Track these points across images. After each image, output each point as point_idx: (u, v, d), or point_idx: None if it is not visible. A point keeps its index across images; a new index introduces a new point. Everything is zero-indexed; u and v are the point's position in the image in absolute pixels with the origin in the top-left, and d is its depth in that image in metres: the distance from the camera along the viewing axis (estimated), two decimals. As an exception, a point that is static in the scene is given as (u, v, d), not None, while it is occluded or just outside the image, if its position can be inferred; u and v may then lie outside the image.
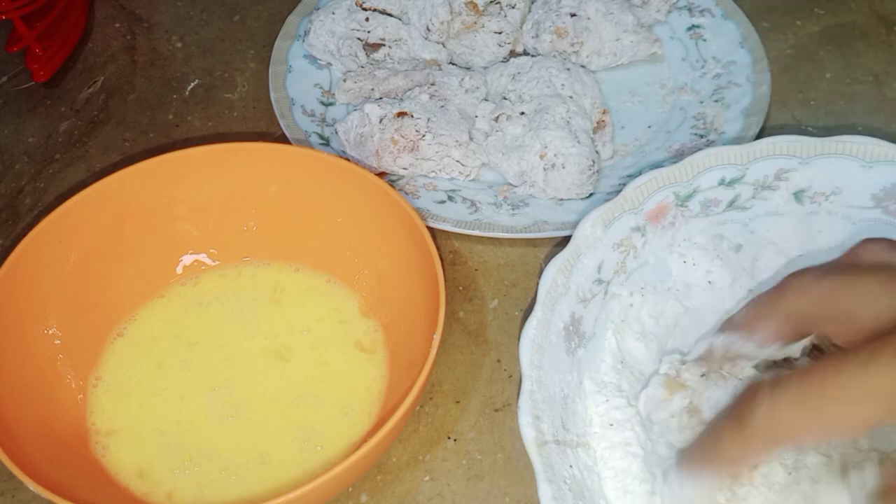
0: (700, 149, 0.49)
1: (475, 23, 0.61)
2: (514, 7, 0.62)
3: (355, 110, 0.56)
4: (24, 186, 0.58)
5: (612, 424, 0.42)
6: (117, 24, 0.69)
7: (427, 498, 0.43)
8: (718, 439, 0.35)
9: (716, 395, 0.39)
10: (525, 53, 0.63)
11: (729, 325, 0.39)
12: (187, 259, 0.50)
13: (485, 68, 0.61)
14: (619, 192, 0.46)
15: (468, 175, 0.55)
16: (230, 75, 0.65)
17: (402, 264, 0.46)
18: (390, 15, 0.62)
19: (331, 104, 0.60)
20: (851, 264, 0.36)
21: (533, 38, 0.62)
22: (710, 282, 0.47)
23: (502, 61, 0.61)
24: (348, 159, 0.50)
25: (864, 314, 0.33)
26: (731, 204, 0.47)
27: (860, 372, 0.30)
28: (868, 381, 0.30)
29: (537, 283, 0.43)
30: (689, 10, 0.65)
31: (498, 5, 0.62)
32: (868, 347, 0.31)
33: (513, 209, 0.53)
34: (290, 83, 0.60)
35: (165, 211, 0.49)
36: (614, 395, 0.43)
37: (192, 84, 0.64)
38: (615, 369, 0.44)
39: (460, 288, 0.51)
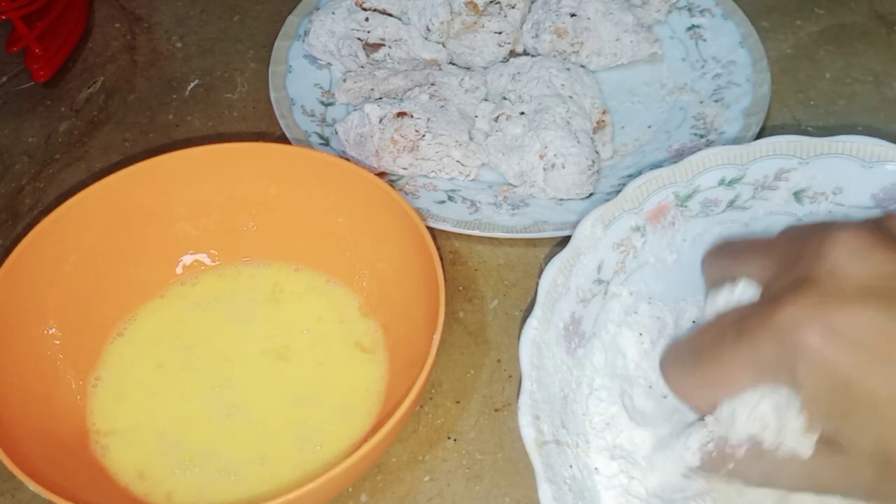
0: (700, 149, 0.49)
1: (475, 23, 0.61)
2: (514, 7, 0.62)
3: (355, 110, 0.56)
4: (24, 186, 0.58)
5: (608, 424, 0.42)
6: (117, 24, 0.69)
7: (427, 498, 0.43)
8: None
9: None
10: (525, 53, 0.63)
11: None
12: (187, 259, 0.50)
13: (485, 68, 0.61)
14: (619, 192, 0.46)
15: (468, 175, 0.55)
16: (230, 75, 0.65)
17: (402, 264, 0.46)
18: (390, 15, 0.62)
19: (331, 104, 0.60)
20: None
21: (533, 38, 0.62)
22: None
23: (502, 61, 0.61)
24: (348, 159, 0.50)
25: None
26: (731, 204, 0.47)
27: (733, 345, 0.33)
28: (739, 353, 0.33)
29: (537, 283, 0.43)
30: (689, 10, 0.65)
31: (498, 5, 0.62)
32: (739, 316, 0.34)
33: (513, 209, 0.53)
34: (290, 83, 0.60)
35: (165, 211, 0.49)
36: (615, 395, 0.43)
37: (192, 84, 0.64)
38: (615, 369, 0.44)
39: (460, 288, 0.51)
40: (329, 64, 0.63)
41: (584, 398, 0.43)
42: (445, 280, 0.42)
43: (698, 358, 0.35)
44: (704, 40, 0.63)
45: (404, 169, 0.55)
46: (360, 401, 0.45)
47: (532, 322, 0.42)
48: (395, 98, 0.57)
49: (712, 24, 0.63)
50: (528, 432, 0.38)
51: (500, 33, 0.61)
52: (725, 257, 0.39)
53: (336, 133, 0.57)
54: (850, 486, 0.32)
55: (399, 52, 0.61)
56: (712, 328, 0.35)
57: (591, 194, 0.54)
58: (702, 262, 0.41)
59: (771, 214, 0.47)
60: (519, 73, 0.58)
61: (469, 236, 0.53)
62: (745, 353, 0.33)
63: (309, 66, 0.62)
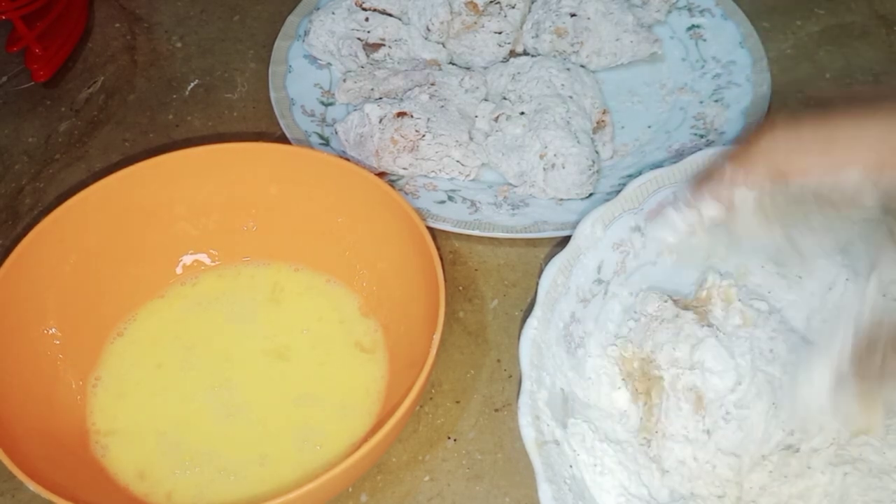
0: (700, 149, 0.49)
1: (475, 23, 0.61)
2: (514, 7, 0.62)
3: (355, 110, 0.56)
4: (24, 186, 0.58)
5: (608, 423, 0.42)
6: (117, 24, 0.69)
7: (427, 498, 0.43)
8: (715, 162, 0.36)
9: None
10: (525, 53, 0.63)
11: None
12: (187, 259, 0.50)
13: (485, 68, 0.61)
14: (619, 192, 0.46)
15: (468, 175, 0.55)
16: (230, 75, 0.65)
17: (402, 264, 0.46)
18: (390, 15, 0.62)
19: (331, 104, 0.60)
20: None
21: (533, 38, 0.62)
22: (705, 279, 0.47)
23: (502, 61, 0.61)
24: (348, 159, 0.50)
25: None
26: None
27: (878, 122, 0.32)
28: (885, 128, 0.32)
29: (537, 283, 0.43)
30: (689, 10, 0.65)
31: (498, 5, 0.62)
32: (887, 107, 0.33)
33: (513, 209, 0.53)
34: (290, 83, 0.60)
35: (165, 211, 0.49)
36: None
37: (192, 84, 0.64)
38: (615, 368, 0.44)
39: (460, 288, 0.51)
40: (329, 64, 0.63)
41: (584, 397, 0.43)
42: (445, 280, 0.42)
43: (830, 118, 0.33)
44: (704, 40, 0.63)
45: (404, 169, 0.55)
46: (360, 401, 0.45)
47: (532, 322, 0.42)
48: (395, 98, 0.57)
49: (712, 24, 0.63)
50: (528, 432, 0.38)
51: (500, 33, 0.61)
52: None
53: (336, 133, 0.57)
54: None
55: (399, 52, 0.61)
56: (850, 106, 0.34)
57: (591, 194, 0.54)
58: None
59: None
60: (519, 73, 0.58)
61: (469, 236, 0.53)
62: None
63: (309, 66, 0.62)
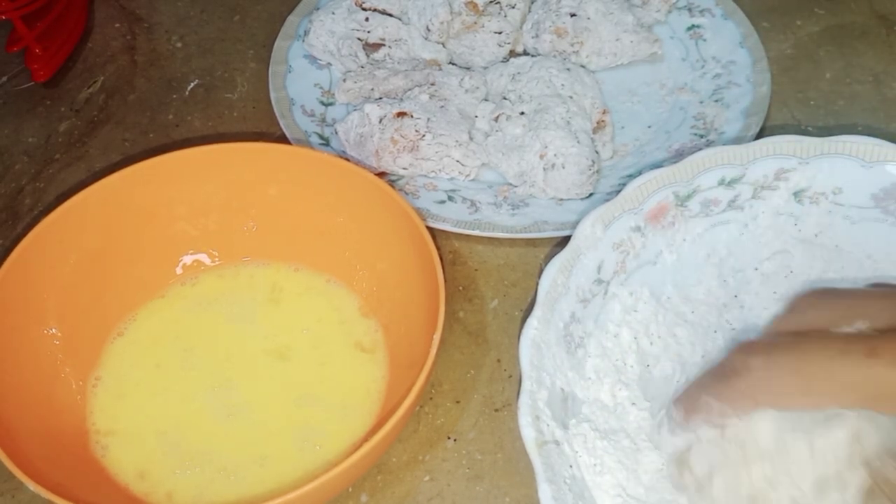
0: (700, 149, 0.49)
1: (475, 23, 0.61)
2: (514, 7, 0.62)
3: (355, 110, 0.56)
4: (24, 186, 0.58)
5: (608, 423, 0.42)
6: (117, 24, 0.69)
7: (427, 498, 0.43)
8: (705, 390, 0.37)
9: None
10: (525, 53, 0.63)
11: (684, 405, 0.39)
12: (187, 259, 0.50)
13: (485, 68, 0.61)
14: (619, 192, 0.46)
15: (468, 175, 0.55)
16: (230, 75, 0.65)
17: (402, 264, 0.46)
18: (390, 15, 0.62)
19: (331, 104, 0.60)
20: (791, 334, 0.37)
21: (533, 38, 0.62)
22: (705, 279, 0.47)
23: (502, 61, 0.61)
24: (348, 159, 0.50)
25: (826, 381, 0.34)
26: (730, 204, 0.47)
27: (856, 364, 0.33)
28: (862, 373, 0.33)
29: (537, 283, 0.43)
30: (689, 10, 0.65)
31: (498, 5, 0.62)
32: (869, 342, 0.33)
33: (513, 209, 0.53)
34: (290, 83, 0.60)
35: (165, 211, 0.49)
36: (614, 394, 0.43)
37: (192, 84, 0.64)
38: (615, 369, 0.44)
39: (460, 288, 0.51)
40: (329, 64, 0.63)
41: (584, 397, 0.43)
42: (445, 280, 0.42)
43: (805, 361, 0.34)
44: (704, 40, 0.63)
45: (404, 169, 0.55)
46: (360, 401, 0.45)
47: (532, 322, 0.42)
48: (395, 98, 0.57)
49: (712, 24, 0.63)
50: (528, 432, 0.38)
51: (500, 33, 0.61)
52: (831, 303, 0.38)
53: (336, 133, 0.57)
54: None
55: (399, 52, 0.61)
56: (824, 342, 0.35)
57: (591, 194, 0.54)
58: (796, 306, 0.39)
59: (771, 214, 0.48)
60: (519, 73, 0.58)
61: (469, 236, 0.53)
62: (869, 374, 0.33)
63: (309, 66, 0.62)
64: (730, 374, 0.36)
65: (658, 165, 0.51)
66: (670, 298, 0.47)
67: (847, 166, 0.46)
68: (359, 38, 0.61)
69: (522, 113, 0.56)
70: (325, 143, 0.57)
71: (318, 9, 0.63)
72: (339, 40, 0.61)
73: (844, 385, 0.33)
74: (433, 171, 0.55)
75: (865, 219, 0.47)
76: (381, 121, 0.54)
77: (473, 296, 0.51)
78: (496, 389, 0.47)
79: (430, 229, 0.45)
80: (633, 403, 0.43)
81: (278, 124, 0.58)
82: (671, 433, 0.40)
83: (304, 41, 0.63)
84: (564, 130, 0.53)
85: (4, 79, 0.65)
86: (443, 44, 0.62)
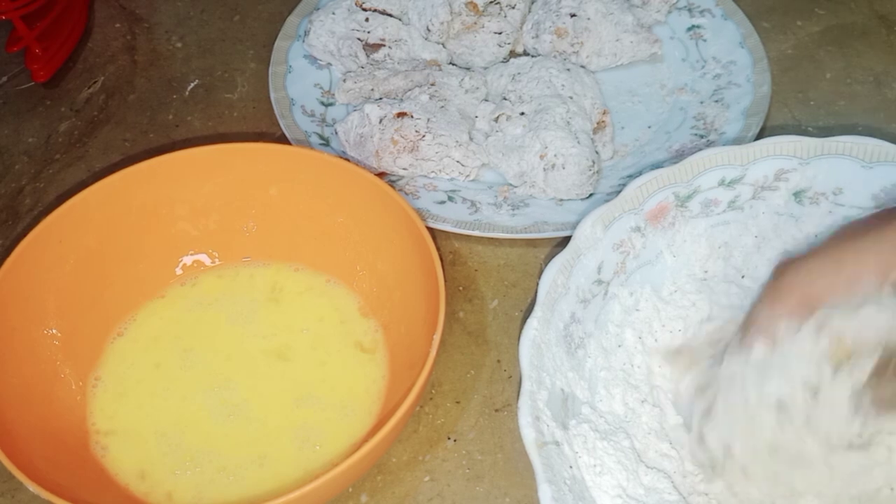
0: (700, 149, 0.49)
1: (475, 23, 0.61)
2: (514, 7, 0.62)
3: (355, 110, 0.56)
4: (24, 186, 0.58)
5: (608, 423, 0.42)
6: (117, 24, 0.69)
7: (427, 498, 0.43)
8: (757, 308, 0.40)
9: None
10: (525, 54, 0.63)
11: (744, 329, 0.40)
12: (187, 259, 0.50)
13: (485, 68, 0.61)
14: (619, 192, 0.46)
15: (468, 175, 0.55)
16: (230, 75, 0.65)
17: (402, 264, 0.46)
18: (390, 15, 0.62)
19: (331, 104, 0.60)
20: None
21: (533, 38, 0.62)
22: (705, 279, 0.47)
23: (502, 61, 0.61)
24: (348, 159, 0.50)
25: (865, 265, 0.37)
26: (731, 204, 0.47)
27: (873, 235, 0.37)
28: (881, 238, 0.37)
29: (537, 284, 0.43)
30: (689, 10, 0.65)
31: (498, 5, 0.62)
32: (876, 222, 0.37)
33: (513, 209, 0.53)
34: (290, 83, 0.60)
35: (165, 211, 0.49)
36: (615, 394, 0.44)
37: (192, 84, 0.64)
38: (616, 370, 0.44)
39: (460, 288, 0.51)
40: (329, 64, 0.63)
41: (584, 398, 0.43)
42: (445, 280, 0.42)
43: (836, 248, 0.38)
44: (704, 40, 0.63)
45: (404, 169, 0.55)
46: (360, 401, 0.45)
47: (532, 322, 0.42)
48: (395, 98, 0.57)
49: (712, 25, 0.63)
50: (528, 433, 0.38)
51: (500, 34, 0.61)
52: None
53: (336, 133, 0.57)
54: None
55: (399, 53, 0.61)
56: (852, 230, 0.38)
57: (591, 195, 0.54)
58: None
59: (771, 214, 0.48)
60: (519, 73, 0.58)
61: (469, 236, 0.53)
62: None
63: (309, 66, 0.62)
64: (775, 280, 0.39)
65: (658, 166, 0.51)
66: (672, 294, 0.47)
67: (847, 166, 0.46)
68: (359, 39, 0.61)
69: (522, 113, 0.56)
70: (325, 143, 0.57)
71: (318, 9, 0.63)
72: (340, 40, 0.61)
73: (876, 259, 0.36)
74: (433, 172, 0.55)
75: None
76: (381, 121, 0.54)
77: (473, 296, 0.51)
78: (496, 390, 0.47)
79: (430, 229, 0.45)
80: (644, 401, 0.43)
81: (278, 124, 0.58)
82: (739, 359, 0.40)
83: (304, 41, 0.63)
84: (564, 131, 0.53)
85: (4, 79, 0.65)
86: (443, 44, 0.62)
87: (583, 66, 0.61)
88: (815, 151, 0.46)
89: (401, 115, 0.54)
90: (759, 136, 0.55)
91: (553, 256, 0.44)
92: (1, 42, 0.64)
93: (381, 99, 0.57)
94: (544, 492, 0.37)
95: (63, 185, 0.58)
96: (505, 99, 0.58)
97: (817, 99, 0.60)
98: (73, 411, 0.45)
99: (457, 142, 0.54)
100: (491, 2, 0.62)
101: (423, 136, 0.54)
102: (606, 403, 0.43)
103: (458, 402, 0.46)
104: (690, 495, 0.41)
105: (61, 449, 0.42)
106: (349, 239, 0.49)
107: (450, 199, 0.54)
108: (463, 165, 0.55)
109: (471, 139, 0.56)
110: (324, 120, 0.59)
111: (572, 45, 0.60)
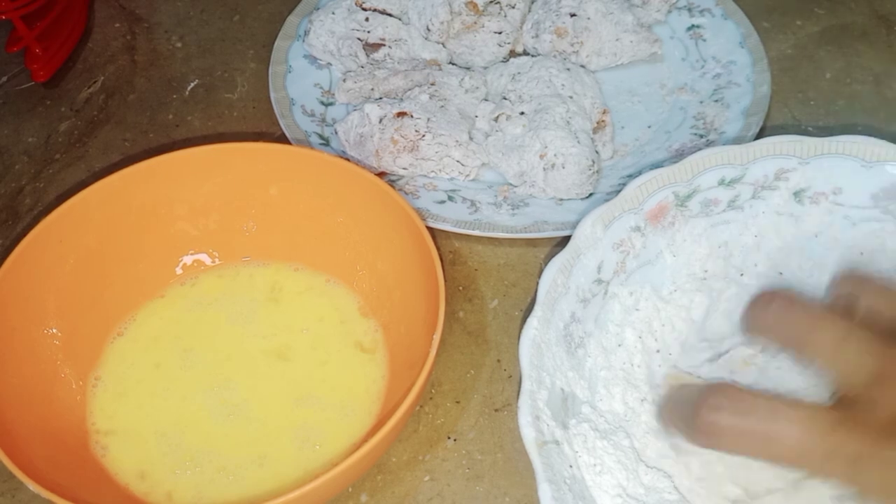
0: (700, 149, 0.49)
1: (475, 23, 0.61)
2: (514, 7, 0.62)
3: (355, 110, 0.56)
4: (24, 186, 0.58)
5: (608, 423, 0.42)
6: (117, 24, 0.69)
7: (427, 498, 0.43)
8: (676, 418, 0.40)
9: None
10: (525, 53, 0.63)
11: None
12: (187, 259, 0.50)
13: (485, 68, 0.61)
14: (619, 192, 0.46)
15: (468, 175, 0.55)
16: (230, 75, 0.65)
17: (402, 264, 0.46)
18: (390, 15, 0.62)
19: (331, 104, 0.60)
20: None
21: (533, 38, 0.62)
22: (705, 279, 0.47)
23: (502, 61, 0.61)
24: (348, 159, 0.50)
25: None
26: (730, 204, 0.47)
27: (822, 434, 0.33)
28: (826, 442, 0.33)
29: (537, 283, 0.43)
30: (689, 10, 0.65)
31: (498, 5, 0.62)
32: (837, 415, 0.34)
33: (513, 209, 0.53)
34: (290, 83, 0.60)
35: (165, 211, 0.49)
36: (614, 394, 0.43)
37: (192, 84, 0.64)
38: (616, 369, 0.44)
39: (460, 288, 0.51)
40: (329, 64, 0.63)
41: (585, 397, 0.43)
42: (445, 280, 0.42)
43: (754, 411, 0.34)
44: (704, 40, 0.63)
45: (404, 169, 0.55)
46: (360, 401, 0.45)
47: (532, 322, 0.42)
48: (395, 98, 0.57)
49: (712, 24, 0.63)
50: (527, 432, 0.38)
51: (500, 33, 0.61)
52: (796, 319, 0.37)
53: (336, 133, 0.57)
54: None
55: (399, 52, 0.61)
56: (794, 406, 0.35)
57: (591, 194, 0.54)
58: (755, 307, 0.39)
59: (771, 214, 0.48)
60: (519, 73, 0.58)
61: (469, 236, 0.53)
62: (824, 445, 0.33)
63: (309, 66, 0.62)
64: (698, 420, 0.35)
65: (658, 165, 0.51)
66: (672, 293, 0.47)
67: (847, 166, 0.46)
68: (359, 38, 0.61)
69: (522, 113, 0.56)
70: (325, 143, 0.57)
71: (318, 9, 0.63)
72: (339, 40, 0.61)
73: (804, 451, 0.33)
74: (433, 171, 0.55)
75: (865, 219, 0.46)
76: (381, 121, 0.54)
77: (473, 296, 0.51)
78: (496, 389, 0.47)
79: (430, 229, 0.45)
80: (644, 399, 0.44)
81: (278, 124, 0.58)
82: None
83: (304, 41, 0.63)
84: (564, 130, 0.53)
85: (4, 79, 0.65)
86: (443, 44, 0.62)
87: (583, 66, 0.61)
88: (815, 151, 0.46)
89: (401, 114, 0.54)
90: (759, 136, 0.55)
91: (553, 256, 0.44)
92: (1, 42, 0.64)
93: (381, 98, 0.57)
94: (544, 491, 0.37)
95: (63, 185, 0.58)
96: (505, 98, 0.58)
97: (817, 99, 0.60)
98: (73, 411, 0.45)
99: (457, 141, 0.54)
100: (491, 1, 0.62)
101: (423, 135, 0.54)
102: (606, 403, 0.43)
103: (458, 402, 0.46)
104: (690, 493, 0.41)
105: (61, 449, 0.42)
106: (349, 239, 0.49)
107: (450, 198, 0.54)
108: (463, 165, 0.55)
109: (471, 139, 0.56)
110: (324, 120, 0.59)
111: (572, 45, 0.60)
